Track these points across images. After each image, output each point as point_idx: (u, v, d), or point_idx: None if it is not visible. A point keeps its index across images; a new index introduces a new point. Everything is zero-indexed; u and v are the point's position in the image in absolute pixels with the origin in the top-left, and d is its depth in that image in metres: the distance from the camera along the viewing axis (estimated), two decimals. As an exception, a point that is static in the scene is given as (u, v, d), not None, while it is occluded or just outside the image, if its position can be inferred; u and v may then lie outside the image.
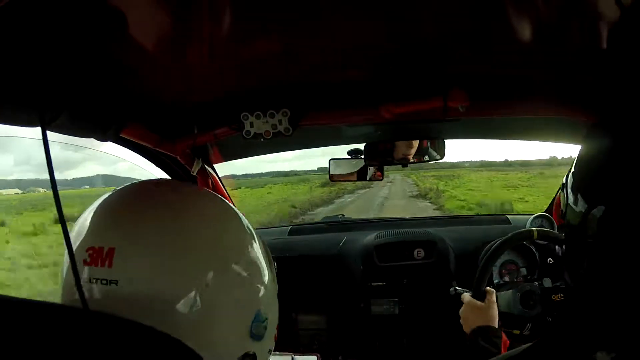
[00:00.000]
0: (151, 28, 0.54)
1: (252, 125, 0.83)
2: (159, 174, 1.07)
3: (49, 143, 0.39)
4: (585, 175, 0.48)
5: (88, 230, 0.44)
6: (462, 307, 0.98)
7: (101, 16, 0.48)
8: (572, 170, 0.51)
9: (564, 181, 0.53)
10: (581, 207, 0.46)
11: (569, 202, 0.49)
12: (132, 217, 0.45)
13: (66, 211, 0.39)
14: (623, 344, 0.40)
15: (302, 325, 1.42)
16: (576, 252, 0.49)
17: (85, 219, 0.45)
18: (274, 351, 0.54)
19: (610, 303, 0.42)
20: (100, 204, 0.47)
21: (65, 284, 0.44)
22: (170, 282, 0.42)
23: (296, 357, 1.05)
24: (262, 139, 0.84)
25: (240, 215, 0.53)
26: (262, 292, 0.49)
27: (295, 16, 0.55)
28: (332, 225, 1.66)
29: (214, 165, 1.19)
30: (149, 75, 0.68)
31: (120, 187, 0.50)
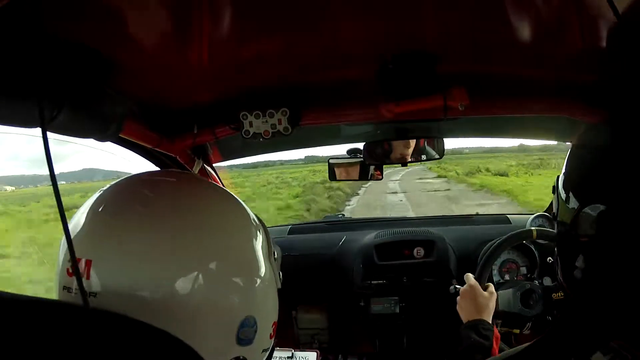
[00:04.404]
0: (151, 28, 0.54)
1: (251, 124, 0.83)
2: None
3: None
4: (578, 174, 0.49)
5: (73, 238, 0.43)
6: (465, 287, 1.00)
7: (101, 15, 0.48)
8: (564, 169, 0.51)
9: (556, 182, 0.52)
10: (573, 205, 0.46)
11: (560, 200, 0.49)
12: (109, 224, 0.44)
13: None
14: (620, 346, 0.41)
15: (301, 324, 1.42)
16: (568, 249, 0.49)
17: (75, 226, 0.44)
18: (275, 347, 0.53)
19: (607, 302, 0.42)
20: (85, 208, 0.46)
21: (58, 289, 0.45)
22: (149, 293, 0.41)
23: (296, 353, 1.05)
24: (261, 139, 0.83)
25: (241, 206, 0.50)
26: (252, 297, 0.47)
27: (295, 16, 0.55)
28: (332, 225, 1.65)
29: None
30: (149, 75, 0.67)
31: (106, 187, 0.48)
